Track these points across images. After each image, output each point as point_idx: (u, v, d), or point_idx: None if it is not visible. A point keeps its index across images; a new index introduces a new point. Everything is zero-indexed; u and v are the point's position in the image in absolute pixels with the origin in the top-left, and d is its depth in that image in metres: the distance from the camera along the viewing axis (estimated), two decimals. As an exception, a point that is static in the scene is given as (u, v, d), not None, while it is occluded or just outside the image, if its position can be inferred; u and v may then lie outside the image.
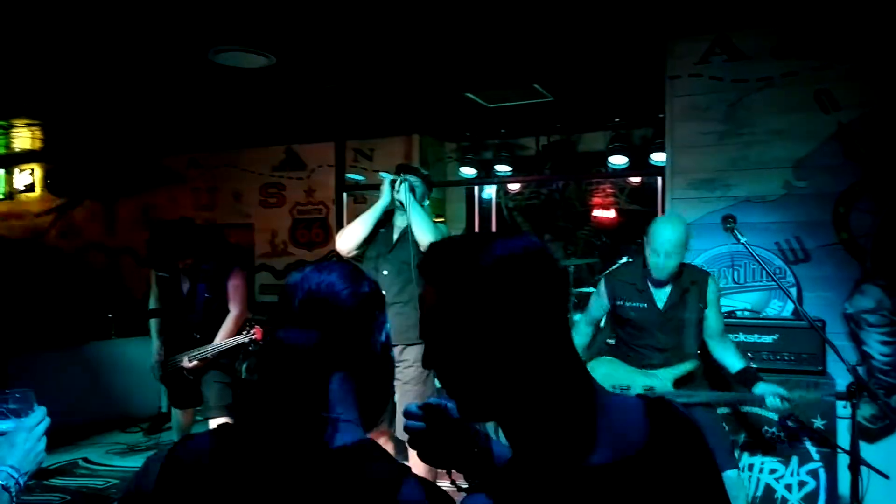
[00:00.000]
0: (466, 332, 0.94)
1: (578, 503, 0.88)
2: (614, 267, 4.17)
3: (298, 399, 1.04)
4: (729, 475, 2.84)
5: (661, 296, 3.07)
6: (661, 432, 0.95)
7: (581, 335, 3.27)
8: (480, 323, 0.93)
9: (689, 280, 3.07)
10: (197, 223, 4.43)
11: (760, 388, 2.91)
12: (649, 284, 3.09)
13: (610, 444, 0.91)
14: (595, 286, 3.68)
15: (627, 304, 3.11)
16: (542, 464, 0.92)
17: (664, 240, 2.93)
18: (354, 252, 3.65)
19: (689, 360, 3.06)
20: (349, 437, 1.05)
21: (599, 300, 3.25)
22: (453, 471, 1.22)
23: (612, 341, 3.51)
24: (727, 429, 3.47)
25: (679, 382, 3.02)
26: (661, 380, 3.01)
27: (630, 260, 4.51)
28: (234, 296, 4.12)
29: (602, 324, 3.50)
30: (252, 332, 3.99)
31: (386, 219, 3.68)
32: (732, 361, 3.06)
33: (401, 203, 3.53)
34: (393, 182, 3.58)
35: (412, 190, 3.54)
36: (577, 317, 3.32)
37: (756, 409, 3.51)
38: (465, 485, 1.19)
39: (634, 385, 3.03)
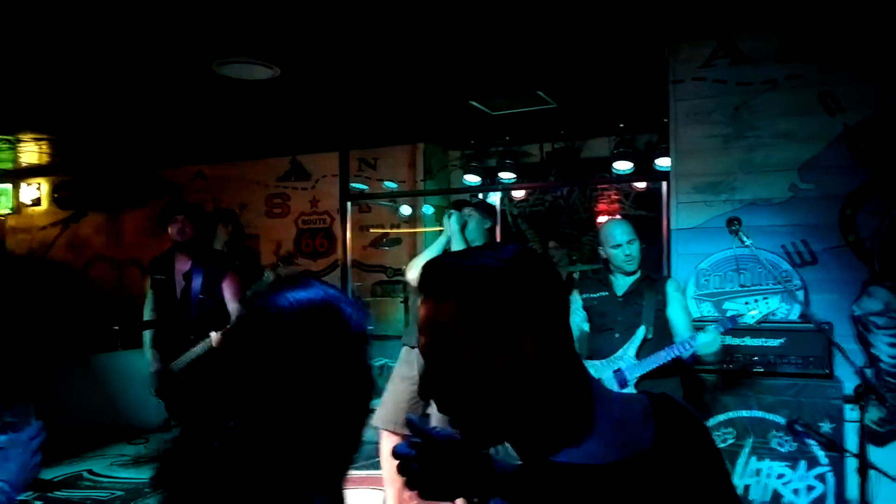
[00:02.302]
0: (493, 342, 0.91)
1: (589, 502, 0.87)
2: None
3: None
4: None
5: (623, 283, 3.36)
6: (668, 430, 0.93)
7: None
8: (508, 328, 0.91)
9: (645, 274, 3.37)
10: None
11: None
12: (611, 278, 3.40)
13: (618, 444, 0.90)
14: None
15: (592, 295, 3.41)
16: (552, 467, 0.91)
17: (619, 232, 3.30)
18: None
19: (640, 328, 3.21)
20: None
21: (575, 303, 3.38)
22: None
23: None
24: (734, 433, 3.52)
25: (640, 352, 3.16)
26: (624, 359, 3.16)
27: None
28: (231, 296, 4.12)
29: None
30: None
31: None
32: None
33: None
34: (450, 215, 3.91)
35: (463, 224, 3.88)
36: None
37: (763, 414, 3.48)
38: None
39: (604, 376, 3.13)
